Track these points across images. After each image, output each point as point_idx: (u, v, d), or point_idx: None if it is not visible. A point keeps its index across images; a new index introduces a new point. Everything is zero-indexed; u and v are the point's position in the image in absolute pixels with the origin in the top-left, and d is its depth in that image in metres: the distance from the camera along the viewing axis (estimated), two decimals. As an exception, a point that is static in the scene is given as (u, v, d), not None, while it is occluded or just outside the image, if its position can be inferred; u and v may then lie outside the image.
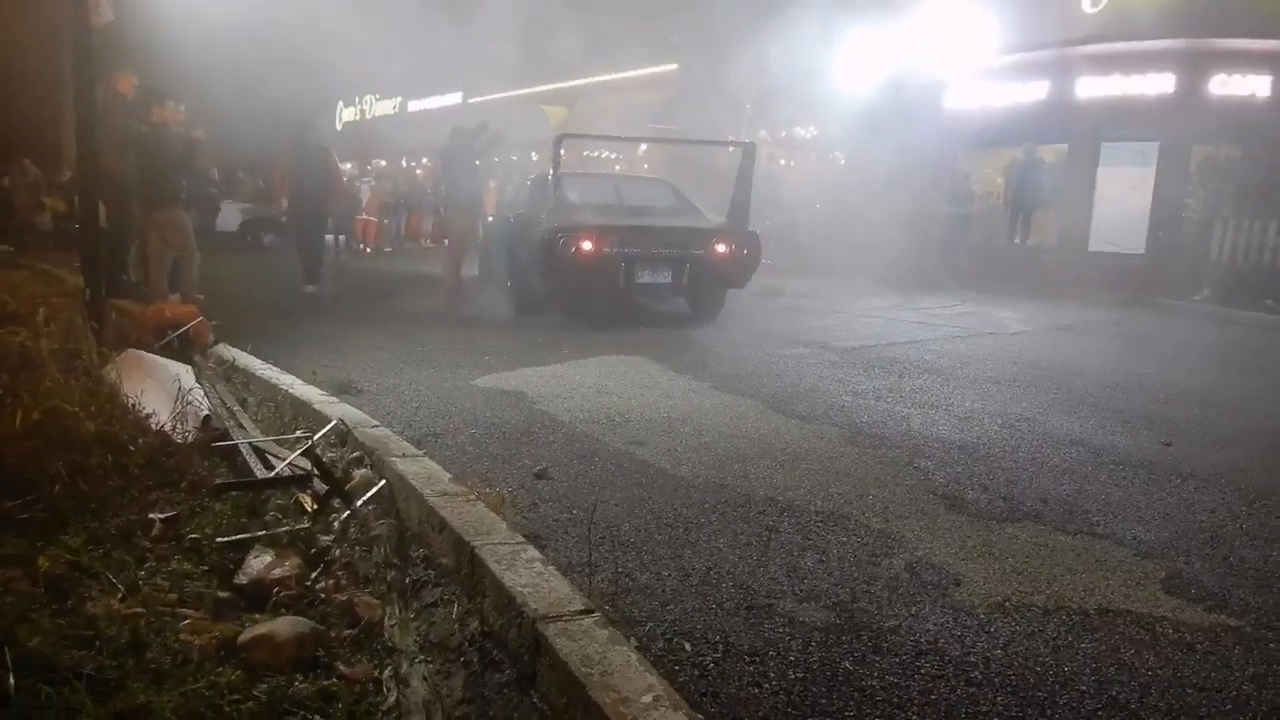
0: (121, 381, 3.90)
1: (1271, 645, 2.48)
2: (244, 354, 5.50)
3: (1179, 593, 2.80)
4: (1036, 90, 14.90)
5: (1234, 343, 8.81)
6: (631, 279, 7.99)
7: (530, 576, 2.35)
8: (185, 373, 4.25)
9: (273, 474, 3.15)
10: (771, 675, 2.18)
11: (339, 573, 2.58)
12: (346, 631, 2.30)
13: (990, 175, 16.74)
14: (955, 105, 16.08)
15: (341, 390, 4.84)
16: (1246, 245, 11.40)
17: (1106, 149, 14.07)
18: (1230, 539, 3.29)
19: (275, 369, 5.14)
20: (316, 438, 3.39)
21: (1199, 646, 2.46)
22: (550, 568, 2.44)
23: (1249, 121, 13.01)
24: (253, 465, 3.27)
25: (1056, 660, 2.34)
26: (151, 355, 4.57)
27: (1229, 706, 2.17)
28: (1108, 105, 14.06)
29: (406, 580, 2.66)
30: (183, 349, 5.13)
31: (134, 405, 3.70)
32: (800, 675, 2.19)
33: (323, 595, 2.45)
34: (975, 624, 2.52)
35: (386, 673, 2.15)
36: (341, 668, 2.14)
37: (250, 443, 3.49)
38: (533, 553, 2.53)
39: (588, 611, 2.18)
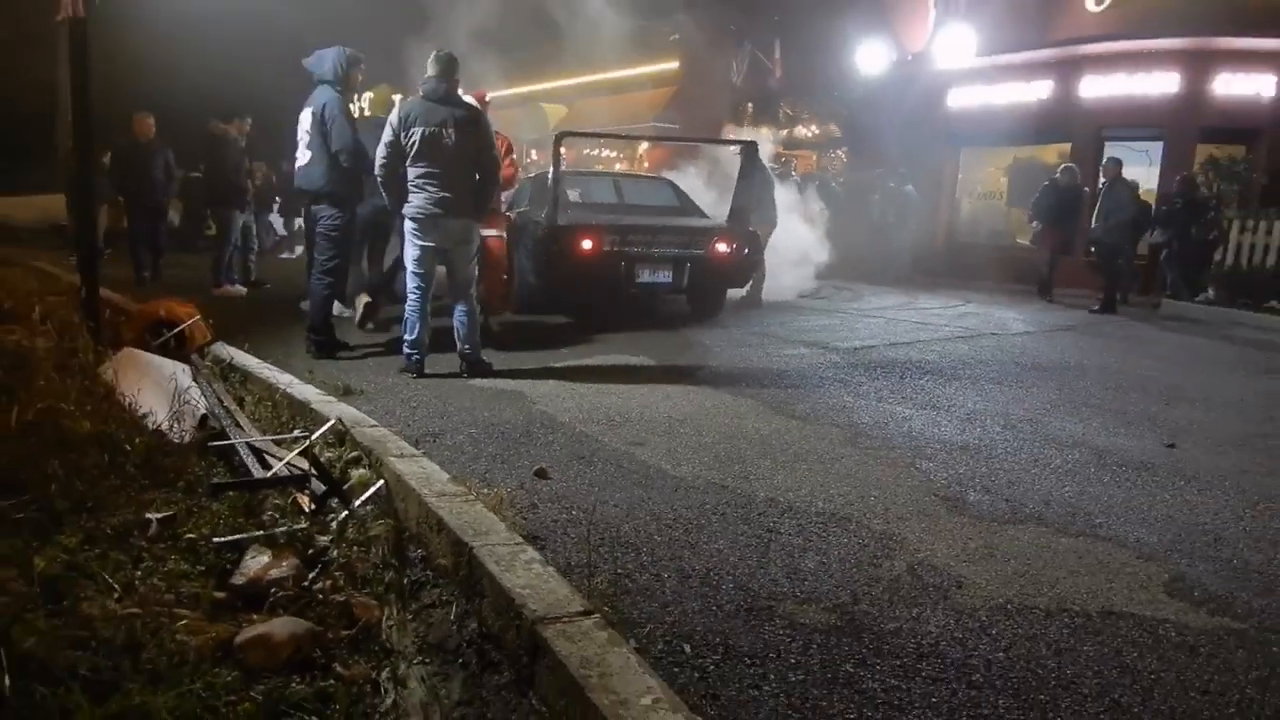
0: (118, 380, 3.89)
1: (1275, 648, 2.46)
2: (241, 353, 5.48)
3: (1182, 595, 2.79)
4: (1040, 89, 14.90)
5: (1238, 343, 8.79)
6: (631, 278, 7.98)
7: (529, 577, 2.33)
8: (182, 372, 4.24)
9: (270, 474, 3.13)
10: (772, 677, 2.17)
11: (336, 573, 2.56)
12: (344, 632, 2.28)
13: (993, 175, 16.74)
14: (958, 104, 16.07)
15: (339, 389, 4.82)
16: (1251, 246, 11.37)
17: (1110, 148, 14.05)
18: (1234, 541, 3.27)
19: (273, 368, 5.13)
20: (314, 437, 3.38)
21: (1202, 649, 2.44)
22: (549, 569, 2.43)
23: (1253, 121, 13.00)
24: (250, 465, 3.25)
25: (1059, 663, 2.32)
26: (148, 354, 4.55)
27: (1232, 710, 2.15)
28: (1111, 104, 14.06)
29: (404, 581, 2.64)
30: (179, 348, 5.10)
31: (130, 404, 3.68)
32: (801, 677, 2.17)
33: (320, 596, 2.43)
34: (977, 626, 2.50)
35: (384, 674, 2.14)
36: (339, 669, 2.12)
37: (247, 442, 3.47)
38: (532, 553, 2.51)
39: (587, 613, 2.16)
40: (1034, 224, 12.12)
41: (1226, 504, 3.70)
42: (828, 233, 12.04)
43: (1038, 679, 2.24)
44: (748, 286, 9.58)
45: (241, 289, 9.78)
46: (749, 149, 8.83)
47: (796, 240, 11.39)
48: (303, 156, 5.96)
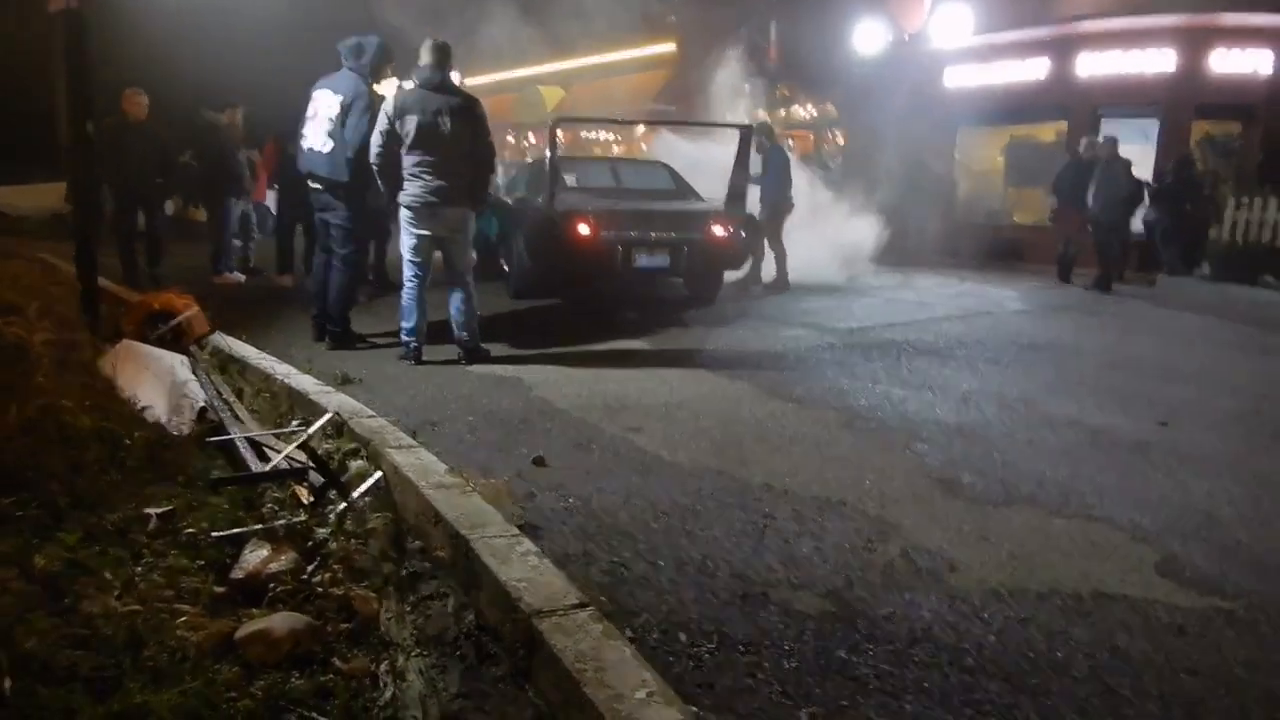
0: (117, 373, 3.90)
1: (1264, 628, 2.49)
2: (240, 343, 5.48)
3: (1173, 576, 2.81)
4: (1037, 67, 14.80)
5: (1234, 321, 8.79)
6: (629, 263, 7.97)
7: (526, 570, 2.36)
8: (181, 364, 4.25)
9: (269, 468, 3.15)
10: (766, 666, 2.19)
11: (335, 566, 2.58)
12: (343, 626, 2.30)
13: (990, 154, 16.67)
14: (955, 83, 15.97)
15: (337, 379, 4.83)
16: (1247, 222, 11.34)
17: (1106, 125, 13.98)
18: (1226, 522, 3.30)
19: (271, 358, 5.12)
20: (312, 430, 3.40)
21: (1192, 630, 2.47)
22: (546, 561, 2.45)
23: (1249, 97, 12.93)
24: (249, 459, 3.27)
25: (1050, 646, 2.35)
26: (147, 346, 4.56)
27: (1221, 691, 2.18)
28: (1108, 82, 13.98)
29: (403, 573, 2.67)
30: (178, 339, 5.11)
31: (130, 398, 3.70)
32: (794, 665, 2.20)
33: (319, 589, 2.45)
34: (969, 610, 2.53)
35: (383, 667, 2.16)
36: (338, 662, 2.15)
37: (246, 436, 3.49)
38: (528, 545, 2.54)
39: (583, 605, 2.18)
40: (1054, 200, 11.60)
41: (1219, 484, 3.72)
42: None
43: (1029, 662, 2.27)
44: (745, 269, 9.57)
45: (240, 277, 9.77)
46: (747, 133, 8.80)
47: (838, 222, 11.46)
48: (323, 144, 5.61)
